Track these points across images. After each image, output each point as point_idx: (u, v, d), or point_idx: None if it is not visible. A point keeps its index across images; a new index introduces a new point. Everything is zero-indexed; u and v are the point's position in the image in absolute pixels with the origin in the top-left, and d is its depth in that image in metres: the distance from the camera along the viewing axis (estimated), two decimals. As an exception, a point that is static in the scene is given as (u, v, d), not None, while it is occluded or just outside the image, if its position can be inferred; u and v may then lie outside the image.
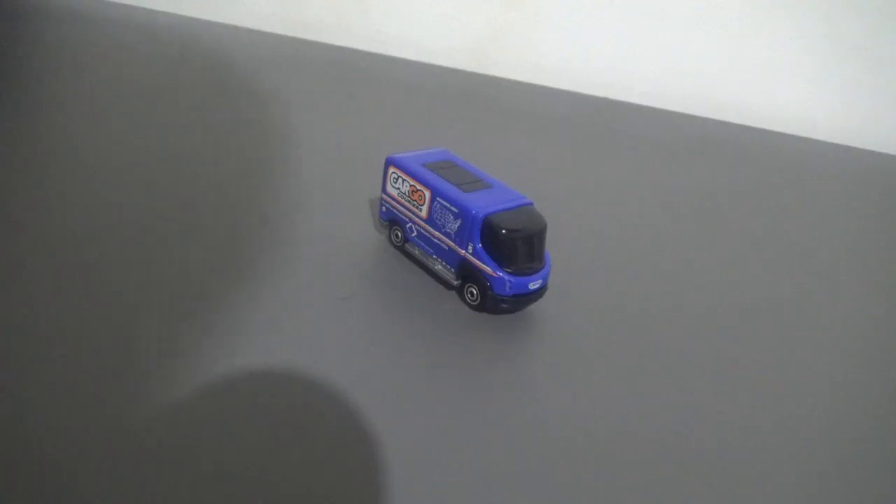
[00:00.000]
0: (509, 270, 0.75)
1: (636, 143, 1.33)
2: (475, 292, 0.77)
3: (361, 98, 1.31)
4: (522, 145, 1.23)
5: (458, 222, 0.76)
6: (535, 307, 0.80)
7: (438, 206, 0.78)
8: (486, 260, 0.75)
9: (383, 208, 0.86)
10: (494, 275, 0.74)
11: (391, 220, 0.85)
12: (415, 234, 0.82)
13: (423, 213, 0.80)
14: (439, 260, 0.80)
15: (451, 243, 0.78)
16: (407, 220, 0.83)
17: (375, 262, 0.83)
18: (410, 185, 0.81)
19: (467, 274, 0.77)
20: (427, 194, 0.79)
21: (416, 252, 0.83)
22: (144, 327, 0.67)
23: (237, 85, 1.27)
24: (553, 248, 0.86)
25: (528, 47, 1.58)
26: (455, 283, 0.79)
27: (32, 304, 0.67)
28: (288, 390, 0.63)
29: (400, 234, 0.84)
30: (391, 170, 0.83)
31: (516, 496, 0.57)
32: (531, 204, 0.79)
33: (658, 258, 0.95)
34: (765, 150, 1.42)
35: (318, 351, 0.68)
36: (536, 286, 0.77)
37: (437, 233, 0.79)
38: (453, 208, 0.77)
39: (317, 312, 0.73)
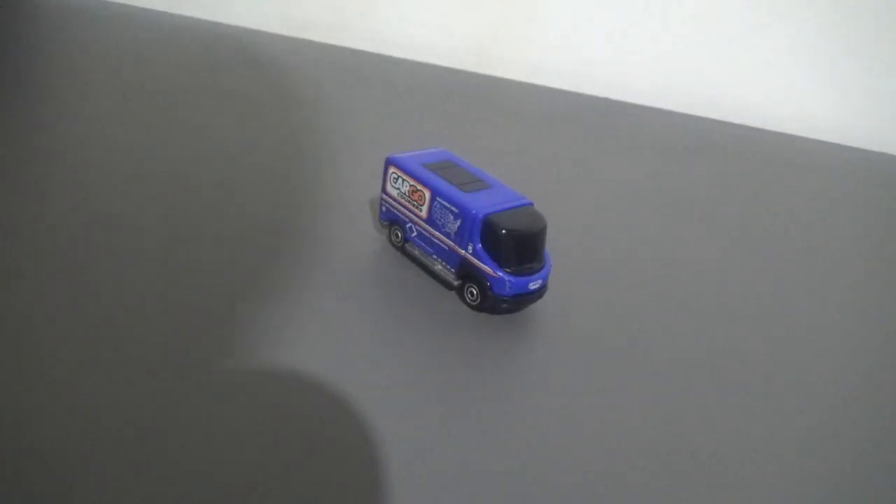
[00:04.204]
0: (509, 270, 0.75)
1: (636, 143, 1.33)
2: (475, 292, 0.77)
3: (361, 98, 1.31)
4: (522, 145, 1.23)
5: (459, 222, 0.76)
6: (535, 307, 0.80)
7: (438, 206, 0.78)
8: (486, 260, 0.75)
9: (383, 208, 0.86)
10: (494, 275, 0.74)
11: (391, 221, 0.85)
12: (415, 234, 0.82)
13: (423, 214, 0.80)
14: (439, 260, 0.80)
15: (451, 243, 0.78)
16: (407, 220, 0.83)
17: (375, 262, 0.83)
18: (410, 186, 0.81)
19: (467, 274, 0.77)
20: (427, 194, 0.79)
21: (416, 252, 0.83)
22: (142, 329, 0.67)
23: (237, 85, 1.27)
24: (553, 248, 0.86)
25: (528, 47, 1.58)
26: (455, 283, 0.79)
27: (32, 304, 0.67)
28: (287, 390, 0.63)
29: (400, 235, 0.84)
30: (391, 170, 0.83)
31: (517, 495, 0.57)
32: (531, 204, 0.79)
33: (658, 258, 0.95)
34: (765, 150, 1.42)
35: (317, 351, 0.68)
36: (536, 286, 0.77)
37: (437, 233, 0.79)
38: (453, 208, 0.77)
39: (317, 312, 0.73)
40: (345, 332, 0.71)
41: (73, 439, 0.55)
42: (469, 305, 0.78)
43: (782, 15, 1.49)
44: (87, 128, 1.02)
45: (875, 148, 1.54)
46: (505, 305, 0.76)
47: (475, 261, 0.76)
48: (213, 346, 0.66)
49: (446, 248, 0.79)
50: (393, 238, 0.86)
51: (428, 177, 0.80)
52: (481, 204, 0.76)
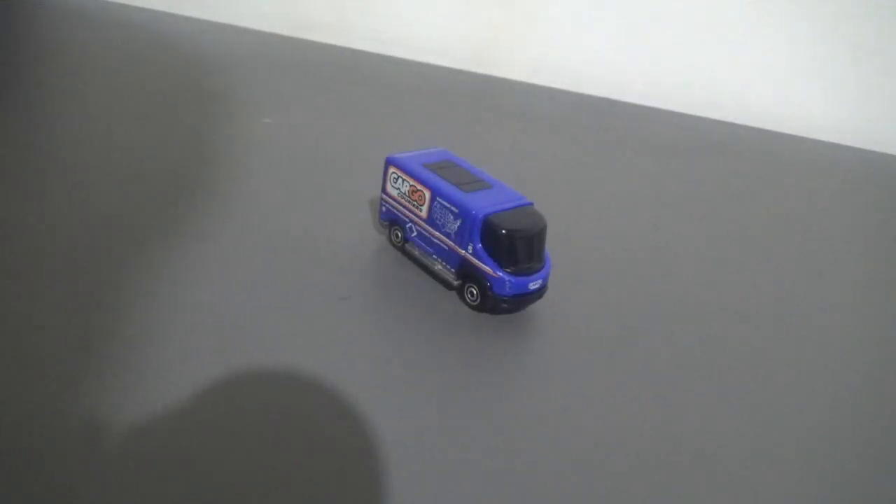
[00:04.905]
0: (509, 270, 0.75)
1: (636, 143, 1.33)
2: (475, 292, 0.77)
3: (361, 98, 1.31)
4: (522, 145, 1.23)
5: (459, 222, 0.76)
6: (535, 307, 0.79)
7: (438, 206, 0.78)
8: (486, 260, 0.75)
9: (383, 208, 0.86)
10: (494, 275, 0.74)
11: (391, 221, 0.85)
12: (415, 234, 0.82)
13: (423, 214, 0.80)
14: (439, 260, 0.80)
15: (451, 243, 0.78)
16: (407, 220, 0.83)
17: (375, 262, 0.83)
18: (410, 186, 0.81)
19: (467, 274, 0.77)
20: (427, 194, 0.79)
21: (416, 252, 0.83)
22: (141, 329, 0.67)
23: (237, 85, 1.27)
24: (553, 248, 0.86)
25: (528, 47, 1.58)
26: (455, 283, 0.79)
27: (32, 303, 0.67)
28: (287, 390, 0.63)
29: (400, 235, 0.84)
30: (391, 170, 0.83)
31: (516, 495, 0.57)
32: (531, 204, 0.79)
33: (658, 258, 0.95)
34: (765, 150, 1.42)
35: (317, 351, 0.68)
36: (536, 286, 0.77)
37: (437, 233, 0.79)
38: (453, 208, 0.77)
39: (317, 312, 0.73)
40: (345, 332, 0.71)
41: (73, 439, 0.55)
42: (469, 305, 0.78)
43: (782, 15, 1.49)
44: (86, 128, 1.02)
45: (874, 148, 1.54)
46: (505, 305, 0.76)
47: (475, 261, 0.76)
48: (212, 346, 0.66)
49: (446, 248, 0.79)
50: (393, 238, 0.86)
51: (428, 177, 0.80)
52: (481, 204, 0.76)
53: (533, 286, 0.76)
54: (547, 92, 1.53)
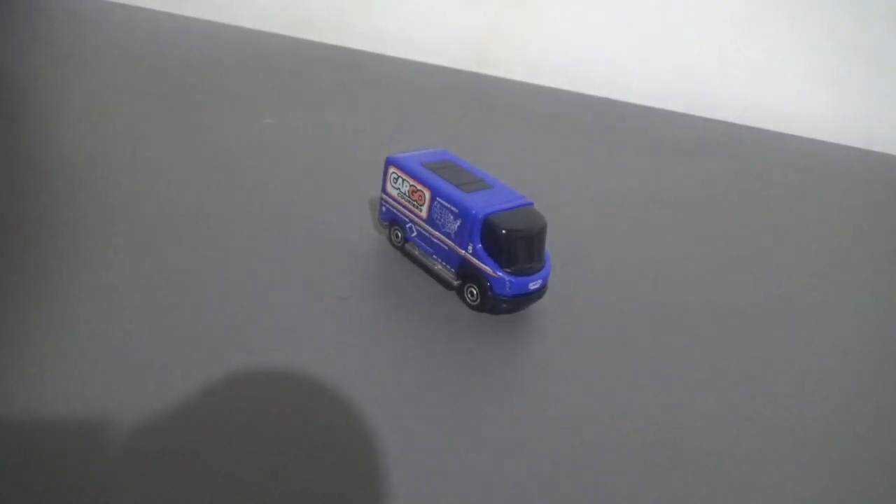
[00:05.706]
0: (509, 270, 0.75)
1: (636, 143, 1.33)
2: (475, 292, 0.77)
3: (361, 98, 1.31)
4: (522, 145, 1.23)
5: (459, 222, 0.76)
6: (535, 307, 0.79)
7: (438, 206, 0.78)
8: (486, 260, 0.75)
9: (383, 208, 0.86)
10: (494, 275, 0.74)
11: (391, 221, 0.85)
12: (415, 234, 0.82)
13: (423, 213, 0.80)
14: (439, 260, 0.80)
15: (451, 243, 0.78)
16: (407, 220, 0.83)
17: (375, 262, 0.83)
18: (410, 185, 0.81)
19: (467, 274, 0.77)
20: (427, 194, 0.79)
21: (416, 252, 0.83)
22: (140, 329, 0.67)
23: (237, 85, 1.27)
24: (553, 248, 0.86)
25: (528, 47, 1.58)
26: (455, 283, 0.79)
27: (30, 303, 0.67)
28: (287, 390, 0.63)
29: (400, 234, 0.84)
30: (391, 170, 0.83)
31: (516, 495, 0.57)
32: (531, 204, 0.79)
33: (658, 258, 0.95)
34: (765, 150, 1.42)
35: (317, 351, 0.68)
36: (536, 286, 0.77)
37: (437, 233, 0.79)
38: (453, 208, 0.77)
39: (317, 312, 0.73)
40: (345, 332, 0.71)
41: (73, 439, 0.55)
42: (469, 305, 0.78)
43: (783, 15, 1.49)
44: (85, 128, 1.02)
45: (875, 148, 1.54)
46: (505, 305, 0.76)
47: (475, 261, 0.76)
48: (212, 346, 0.66)
49: (446, 248, 0.79)
50: (393, 238, 0.86)
51: (428, 177, 0.80)
52: (481, 204, 0.76)
53: (533, 286, 0.76)
54: (547, 92, 1.53)
